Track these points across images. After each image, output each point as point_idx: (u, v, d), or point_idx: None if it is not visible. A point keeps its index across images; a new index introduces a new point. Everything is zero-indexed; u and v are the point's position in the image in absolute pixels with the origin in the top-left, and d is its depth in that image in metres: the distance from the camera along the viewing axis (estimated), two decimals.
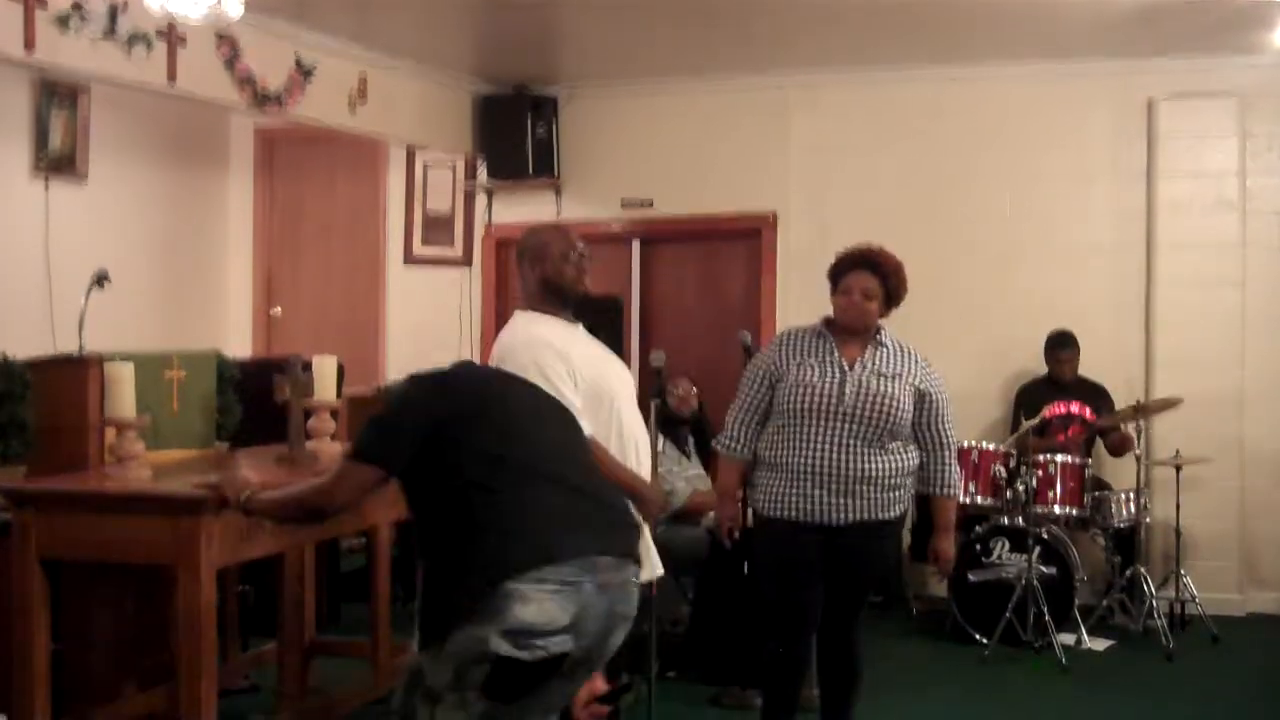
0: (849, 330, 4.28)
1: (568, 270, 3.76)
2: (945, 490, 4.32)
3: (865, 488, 4.16)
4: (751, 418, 4.34)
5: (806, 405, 4.19)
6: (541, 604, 2.78)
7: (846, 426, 4.16)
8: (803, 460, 4.18)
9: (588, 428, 3.61)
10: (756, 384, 4.34)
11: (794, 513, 4.20)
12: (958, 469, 4.36)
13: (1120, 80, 7.28)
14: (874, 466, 4.16)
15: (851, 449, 4.15)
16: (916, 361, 4.28)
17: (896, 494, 4.23)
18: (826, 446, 4.16)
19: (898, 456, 4.20)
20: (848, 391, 4.17)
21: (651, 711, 4.69)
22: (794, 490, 4.20)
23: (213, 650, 3.84)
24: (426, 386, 3.11)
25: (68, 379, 4.53)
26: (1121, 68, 7.21)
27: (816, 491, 4.17)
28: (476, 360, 7.79)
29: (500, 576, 2.78)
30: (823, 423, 4.17)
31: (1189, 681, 5.79)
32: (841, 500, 4.16)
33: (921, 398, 4.22)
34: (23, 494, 4.01)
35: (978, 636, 6.20)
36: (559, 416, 3.25)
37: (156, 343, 6.67)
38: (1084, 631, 6.24)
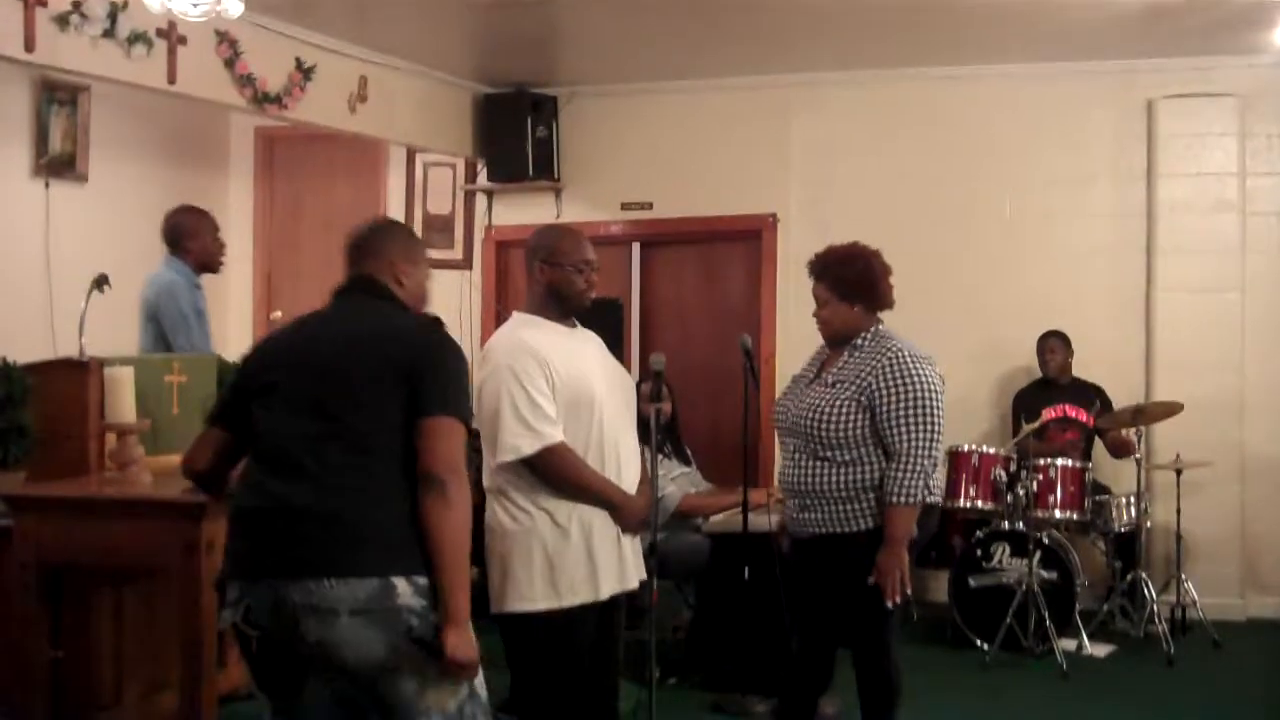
0: (830, 342, 4.29)
1: (578, 282, 3.77)
2: (891, 498, 4.00)
3: (817, 501, 4.11)
4: None
5: (776, 420, 4.34)
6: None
7: (794, 440, 4.18)
8: (781, 475, 4.29)
9: (562, 434, 3.60)
10: None
11: (789, 526, 4.28)
12: (918, 477, 3.98)
13: (1120, 80, 7.28)
14: (820, 479, 4.09)
15: (799, 462, 4.15)
16: (883, 365, 4.04)
17: (853, 507, 4.05)
18: (788, 461, 4.22)
19: (849, 469, 4.05)
20: (793, 405, 4.20)
21: (652, 718, 4.67)
22: (786, 505, 4.29)
23: (213, 657, 3.83)
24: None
25: (68, 383, 4.52)
26: (1121, 68, 7.21)
27: (791, 506, 4.24)
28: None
29: None
30: (785, 437, 4.27)
31: (1190, 687, 5.79)
32: (803, 515, 4.16)
33: (870, 404, 4.03)
34: (23, 499, 4.01)
35: (978, 642, 6.20)
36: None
37: None
38: (1085, 637, 6.24)
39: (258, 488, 2.97)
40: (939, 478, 4.30)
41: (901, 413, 3.99)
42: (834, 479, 4.06)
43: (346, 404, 2.92)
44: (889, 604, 4.00)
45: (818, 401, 4.11)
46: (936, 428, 4.02)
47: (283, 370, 3.03)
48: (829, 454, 4.07)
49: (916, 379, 4.01)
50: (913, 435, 3.99)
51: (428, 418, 2.90)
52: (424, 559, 2.86)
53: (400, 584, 2.82)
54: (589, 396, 3.69)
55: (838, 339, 4.22)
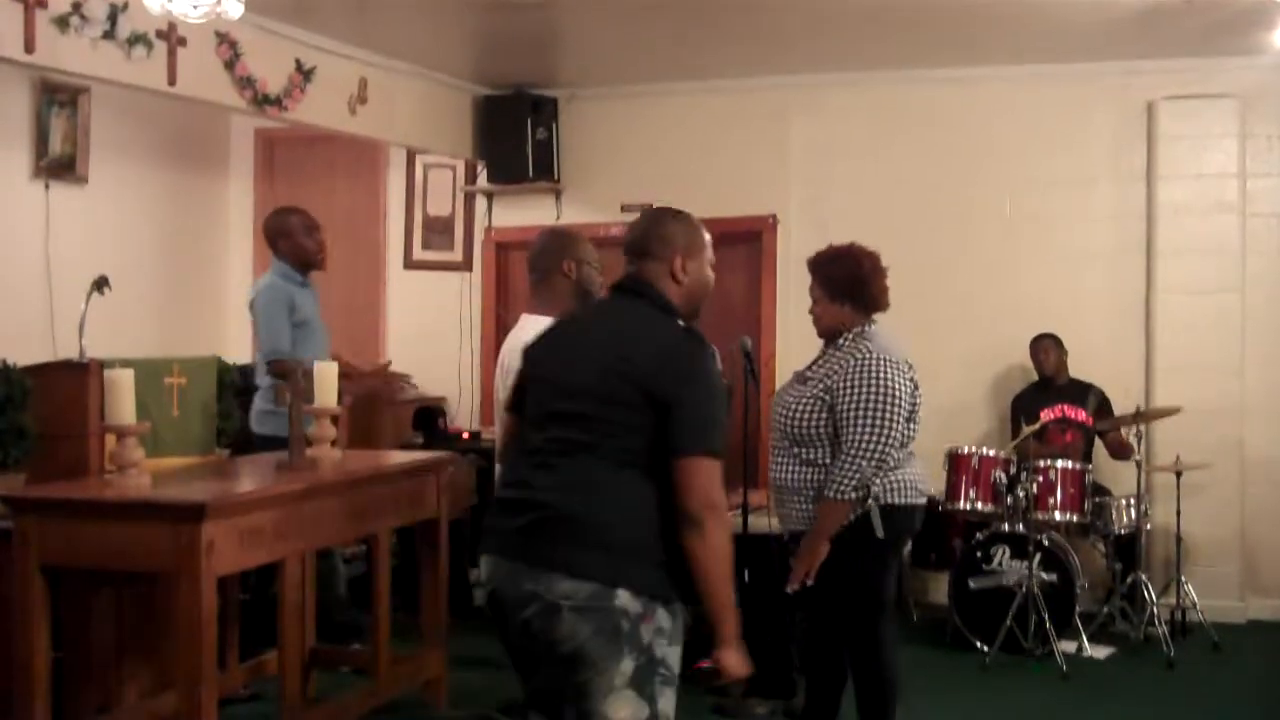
0: (823, 339, 4.32)
1: (597, 278, 3.82)
2: (825, 491, 4.04)
3: (792, 496, 4.16)
4: None
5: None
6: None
7: (774, 435, 4.25)
8: (769, 471, 4.32)
9: None
10: None
11: (779, 522, 4.35)
12: (853, 474, 3.99)
13: (1120, 82, 7.27)
14: (791, 475, 4.15)
15: (777, 458, 4.22)
16: (850, 365, 4.08)
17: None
18: (771, 457, 4.27)
19: (818, 466, 4.10)
20: (778, 401, 4.27)
21: None
22: (771, 500, 4.37)
23: (213, 659, 3.83)
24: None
25: (68, 385, 4.53)
26: (1121, 69, 7.21)
27: (775, 502, 4.31)
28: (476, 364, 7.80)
29: None
30: (772, 433, 4.31)
31: (1190, 689, 5.78)
32: (782, 510, 4.23)
33: (832, 401, 4.06)
34: (23, 501, 3.99)
35: (978, 644, 6.20)
36: None
37: (156, 348, 6.66)
38: (1085, 639, 6.23)
39: (518, 477, 3.09)
40: (922, 475, 4.28)
41: (854, 410, 4.02)
42: (805, 475, 4.12)
43: (596, 415, 2.97)
44: (789, 589, 4.08)
45: (790, 400, 4.19)
46: (885, 428, 4.01)
47: (546, 368, 3.13)
48: (798, 450, 4.14)
49: (876, 379, 4.04)
50: (859, 433, 4.01)
51: (681, 456, 2.90)
52: (662, 572, 2.93)
53: (622, 592, 2.89)
54: None
55: (828, 336, 4.28)
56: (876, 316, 4.28)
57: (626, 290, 3.15)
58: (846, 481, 4.00)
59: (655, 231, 3.17)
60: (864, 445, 4.00)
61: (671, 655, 2.96)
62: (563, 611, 2.87)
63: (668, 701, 2.96)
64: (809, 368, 4.28)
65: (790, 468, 4.16)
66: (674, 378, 2.93)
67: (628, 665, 2.89)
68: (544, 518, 2.94)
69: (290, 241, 5.94)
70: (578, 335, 3.17)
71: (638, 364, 2.95)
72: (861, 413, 4.01)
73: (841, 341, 4.19)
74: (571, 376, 3.03)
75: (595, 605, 2.86)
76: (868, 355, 4.08)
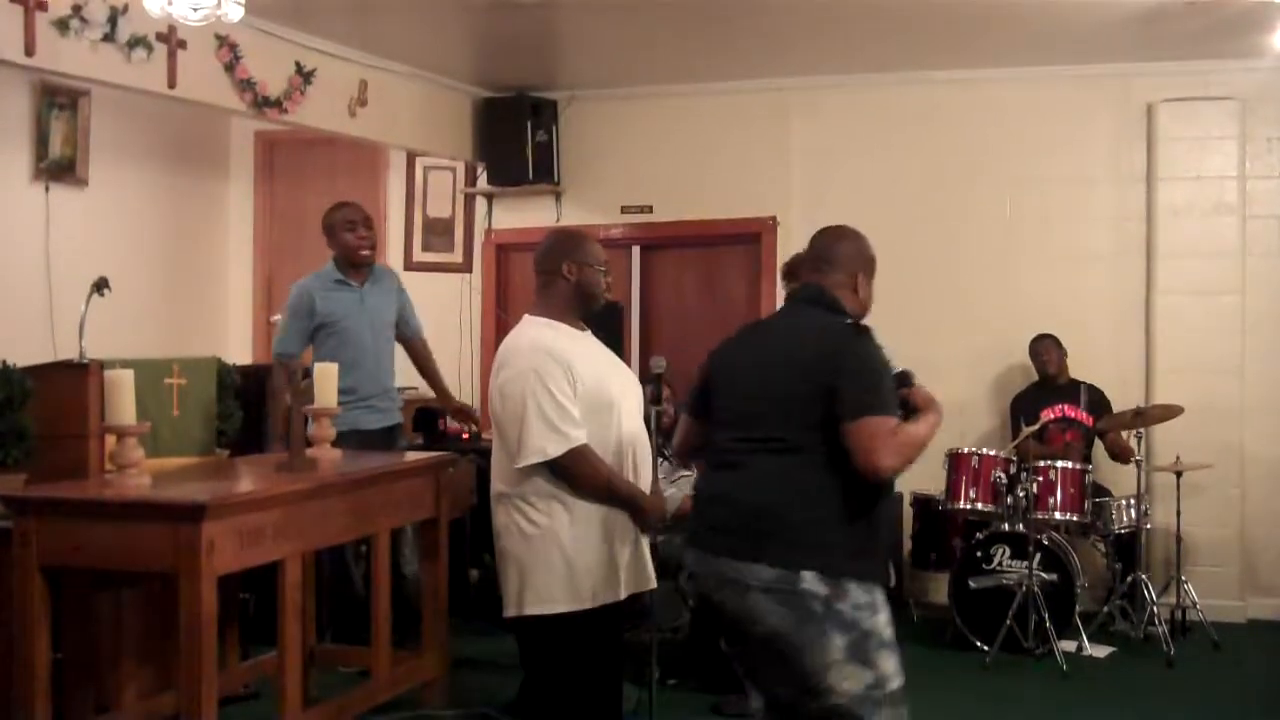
0: None
1: (603, 281, 3.83)
2: None
3: None
4: None
5: None
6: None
7: None
8: None
9: (587, 437, 3.62)
10: None
11: None
12: None
13: (1120, 84, 7.28)
14: None
15: None
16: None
17: None
18: None
19: None
20: None
21: (652, 719, 4.68)
22: None
23: (213, 658, 3.83)
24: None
25: (68, 386, 4.53)
26: (1121, 71, 7.22)
27: None
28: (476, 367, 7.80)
29: None
30: None
31: (1190, 688, 5.78)
32: None
33: None
34: (23, 501, 4.00)
35: (978, 643, 6.20)
36: None
37: (157, 349, 6.66)
38: (1085, 638, 6.24)
39: (711, 476, 3.46)
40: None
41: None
42: None
43: (778, 413, 3.25)
44: None
45: None
46: None
47: (732, 372, 3.42)
48: None
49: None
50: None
51: (846, 422, 3.13)
52: (849, 554, 3.18)
53: (807, 575, 3.14)
54: (609, 398, 3.73)
55: None
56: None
57: (806, 299, 3.45)
58: None
59: (844, 247, 3.49)
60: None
61: (879, 622, 3.20)
62: (752, 593, 3.16)
63: (888, 662, 3.21)
64: None
65: None
66: (837, 362, 3.21)
67: (839, 641, 3.14)
68: (737, 512, 3.24)
69: (332, 238, 6.03)
70: (760, 341, 3.47)
71: (810, 359, 3.24)
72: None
73: None
74: (754, 379, 3.32)
75: (783, 589, 3.13)
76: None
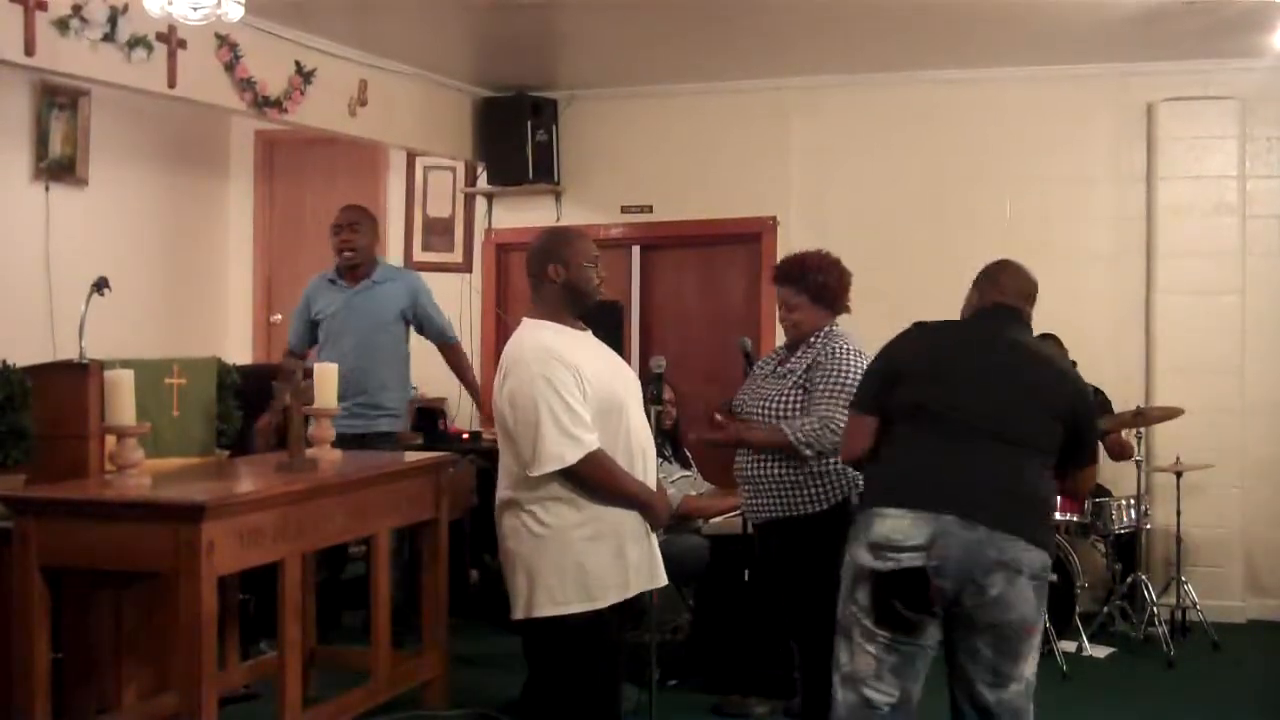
0: (794, 342, 4.51)
1: (593, 277, 3.80)
2: (785, 429, 4.25)
3: (768, 486, 4.36)
4: None
5: (735, 412, 4.51)
6: (898, 520, 3.33)
7: None
8: (735, 465, 4.51)
9: (598, 439, 3.61)
10: None
11: (745, 513, 4.59)
12: (814, 433, 4.21)
13: (1120, 84, 7.28)
14: (770, 466, 4.34)
15: (746, 452, 4.43)
16: (832, 350, 4.34)
17: (801, 492, 4.30)
18: (742, 451, 4.45)
19: (790, 458, 4.29)
20: (749, 398, 4.48)
21: (653, 719, 4.69)
22: (740, 492, 4.57)
23: (213, 659, 3.84)
24: (896, 340, 3.71)
25: (68, 386, 4.52)
26: (1121, 71, 7.21)
27: (745, 493, 4.49)
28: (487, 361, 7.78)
29: (870, 503, 3.46)
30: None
31: (1190, 689, 5.79)
32: (755, 500, 4.43)
33: (808, 386, 4.32)
34: (23, 502, 4.00)
35: None
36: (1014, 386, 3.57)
37: (156, 349, 6.65)
38: (1085, 638, 6.24)
39: (955, 457, 3.48)
40: None
41: (828, 384, 4.28)
42: (782, 465, 4.30)
43: (1036, 425, 3.51)
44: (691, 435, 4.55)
45: (770, 392, 4.40)
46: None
47: (948, 370, 3.57)
48: None
49: (853, 364, 4.29)
50: (828, 401, 4.25)
51: (1084, 469, 3.73)
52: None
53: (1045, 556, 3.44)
54: (618, 400, 3.72)
55: (803, 339, 4.47)
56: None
57: (1013, 319, 3.72)
58: (806, 433, 4.21)
59: (1034, 284, 3.82)
60: (830, 413, 4.21)
61: None
62: (1021, 579, 3.34)
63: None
64: (780, 364, 4.49)
65: (763, 460, 4.35)
66: (1082, 407, 3.61)
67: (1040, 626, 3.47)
68: (1017, 498, 3.42)
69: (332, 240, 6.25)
70: (982, 348, 3.63)
71: (1060, 392, 3.57)
72: (835, 387, 4.26)
73: (814, 340, 4.43)
74: (998, 384, 3.52)
75: (1043, 578, 3.41)
76: (845, 345, 4.37)
